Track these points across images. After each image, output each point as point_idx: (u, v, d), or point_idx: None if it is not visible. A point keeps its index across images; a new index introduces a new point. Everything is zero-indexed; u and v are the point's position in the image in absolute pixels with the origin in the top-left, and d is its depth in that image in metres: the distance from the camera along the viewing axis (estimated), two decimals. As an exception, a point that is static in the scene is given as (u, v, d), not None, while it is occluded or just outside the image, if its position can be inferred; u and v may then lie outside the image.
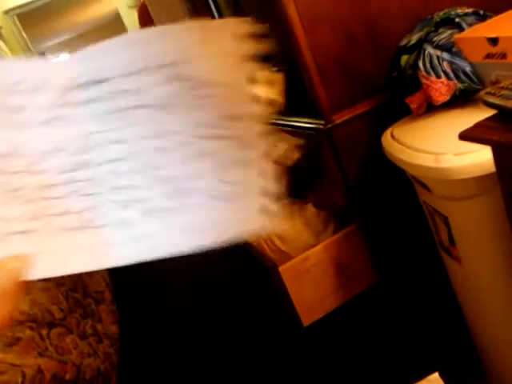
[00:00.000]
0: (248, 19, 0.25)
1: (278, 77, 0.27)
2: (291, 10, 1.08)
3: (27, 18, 4.98)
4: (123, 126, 0.27)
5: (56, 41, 7.02)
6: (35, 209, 0.26)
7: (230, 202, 0.27)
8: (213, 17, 1.78)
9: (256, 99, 0.26)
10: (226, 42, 0.26)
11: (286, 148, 0.24)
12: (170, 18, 2.16)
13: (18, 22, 4.92)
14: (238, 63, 0.26)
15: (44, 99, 0.26)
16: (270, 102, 0.26)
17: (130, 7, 4.69)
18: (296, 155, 0.24)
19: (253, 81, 0.26)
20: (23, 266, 0.26)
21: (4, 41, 4.73)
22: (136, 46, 0.26)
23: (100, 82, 0.26)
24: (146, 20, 2.58)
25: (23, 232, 0.26)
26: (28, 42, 5.05)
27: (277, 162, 0.27)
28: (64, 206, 0.27)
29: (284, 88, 0.26)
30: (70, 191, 0.27)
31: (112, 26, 5.99)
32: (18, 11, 4.88)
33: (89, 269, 0.27)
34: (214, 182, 0.27)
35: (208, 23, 0.26)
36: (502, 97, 0.63)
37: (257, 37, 0.26)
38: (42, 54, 5.47)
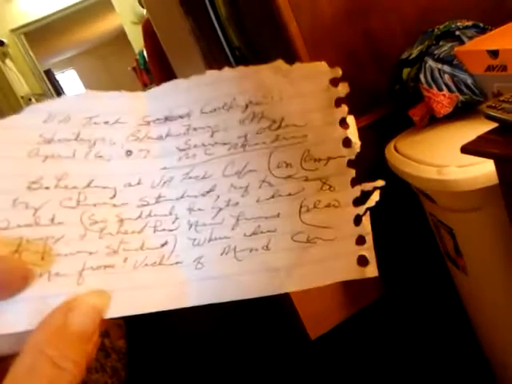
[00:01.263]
0: (335, 66, 0.26)
1: (353, 119, 0.28)
2: (293, 28, 1.10)
3: (33, 36, 5.05)
4: (201, 162, 0.27)
5: (62, 57, 7.11)
6: (114, 243, 0.26)
7: (317, 245, 0.26)
8: (216, 33, 1.81)
9: (346, 142, 0.26)
10: (315, 84, 0.26)
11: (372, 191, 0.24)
12: (175, 35, 2.19)
13: (24, 40, 5.00)
14: (326, 106, 0.26)
15: (119, 134, 0.26)
16: (355, 146, 0.26)
17: (135, 23, 4.75)
18: (377, 196, 0.24)
19: (343, 124, 0.26)
20: (104, 303, 0.24)
21: (11, 59, 4.79)
22: (216, 84, 0.26)
23: (174, 118, 0.26)
24: (150, 36, 2.61)
25: (101, 267, 0.25)
26: (35, 59, 5.11)
27: (367, 207, 0.26)
28: (142, 241, 0.26)
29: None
30: (149, 226, 0.26)
31: (117, 43, 6.06)
32: (25, 30, 4.95)
33: (165, 308, 0.26)
34: (299, 224, 0.27)
35: (296, 65, 0.26)
36: (503, 110, 0.64)
37: (339, 80, 0.26)
38: (49, 70, 5.54)
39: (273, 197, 0.27)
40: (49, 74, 5.51)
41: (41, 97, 4.98)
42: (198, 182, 0.27)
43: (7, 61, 4.64)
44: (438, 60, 1.02)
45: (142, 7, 3.19)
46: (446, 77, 1.00)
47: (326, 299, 1.29)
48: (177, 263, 0.27)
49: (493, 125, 0.65)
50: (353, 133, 0.26)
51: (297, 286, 0.27)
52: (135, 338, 1.91)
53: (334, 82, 0.26)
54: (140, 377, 1.62)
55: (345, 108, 0.26)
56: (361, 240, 0.27)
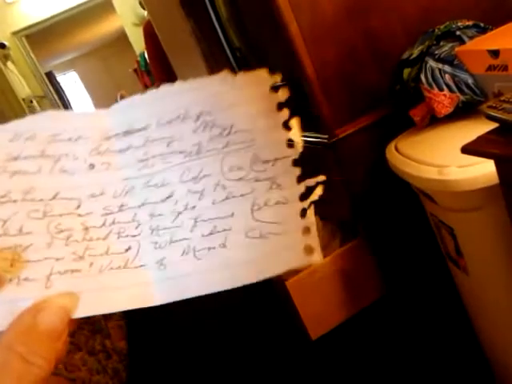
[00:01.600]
0: (275, 72, 0.28)
1: (296, 121, 0.30)
2: (294, 28, 1.10)
3: (35, 39, 5.06)
4: (160, 171, 0.29)
5: (63, 59, 7.13)
6: (79, 249, 0.28)
7: (269, 240, 0.29)
8: (217, 34, 1.81)
9: (289, 143, 0.28)
10: (258, 91, 0.28)
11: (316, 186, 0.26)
12: (176, 37, 2.19)
13: (26, 42, 5.01)
14: (271, 110, 0.28)
15: (82, 149, 0.28)
16: (298, 146, 0.28)
17: (136, 25, 4.76)
18: (320, 190, 0.26)
19: (286, 127, 0.28)
20: (72, 304, 0.26)
21: (13, 62, 4.80)
22: (170, 97, 0.28)
23: (134, 132, 0.28)
24: (151, 38, 2.62)
25: (68, 271, 0.27)
26: (36, 61, 5.12)
27: (311, 201, 0.29)
28: (107, 246, 0.28)
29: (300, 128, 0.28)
30: (113, 233, 0.28)
31: (118, 44, 6.07)
32: (26, 32, 4.96)
33: (131, 307, 0.28)
34: (252, 221, 0.29)
35: (241, 74, 0.28)
36: (504, 110, 0.64)
37: (282, 86, 0.28)
38: (50, 73, 5.55)
39: (227, 198, 0.29)
40: (50, 76, 5.52)
41: (42, 99, 4.99)
42: (157, 190, 0.29)
43: (9, 63, 4.65)
44: (439, 60, 1.02)
45: (143, 9, 3.20)
46: (447, 77, 1.00)
47: (326, 300, 1.29)
48: (141, 266, 0.29)
49: (493, 125, 0.65)
50: (296, 134, 0.28)
51: (254, 278, 0.29)
52: (136, 340, 1.91)
53: (275, 88, 0.28)
54: (141, 378, 1.62)
55: (286, 111, 0.28)
56: (306, 230, 0.29)
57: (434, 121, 1.06)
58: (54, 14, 4.89)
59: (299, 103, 1.25)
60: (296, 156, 0.29)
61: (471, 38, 1.01)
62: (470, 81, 0.99)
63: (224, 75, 0.28)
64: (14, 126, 0.28)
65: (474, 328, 1.12)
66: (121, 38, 5.52)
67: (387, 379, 1.29)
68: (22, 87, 4.72)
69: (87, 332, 1.53)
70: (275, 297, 1.55)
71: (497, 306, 0.99)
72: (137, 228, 0.29)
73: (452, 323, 1.25)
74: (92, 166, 0.28)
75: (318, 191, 0.28)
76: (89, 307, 0.27)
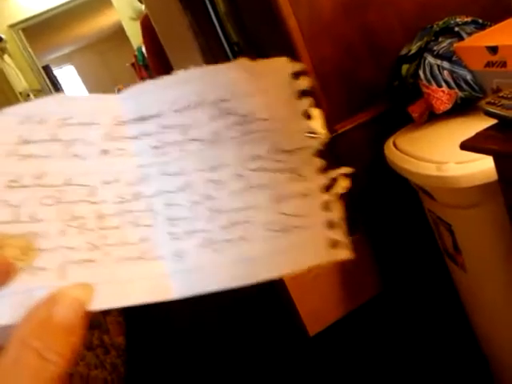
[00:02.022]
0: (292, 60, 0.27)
1: (319, 111, 0.29)
2: (292, 23, 1.09)
3: (32, 32, 5.03)
4: (176, 159, 0.28)
5: (60, 53, 7.10)
6: (94, 238, 0.27)
7: (291, 233, 0.27)
8: (214, 29, 1.80)
9: (311, 133, 0.27)
10: (278, 78, 0.27)
11: (339, 177, 0.25)
12: (174, 31, 2.18)
13: (22, 35, 4.98)
14: (291, 98, 0.27)
15: (94, 134, 0.27)
16: (321, 136, 0.27)
17: (133, 19, 4.73)
18: (347, 183, 0.25)
19: (306, 116, 0.27)
20: (86, 296, 0.25)
21: (9, 55, 4.78)
22: (185, 83, 0.27)
23: (148, 118, 0.27)
24: (148, 32, 2.60)
25: (82, 261, 0.26)
26: (33, 55, 5.10)
27: (335, 193, 0.27)
28: (121, 236, 0.27)
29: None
30: (127, 222, 0.27)
31: (115, 38, 6.05)
32: (23, 25, 4.93)
33: (148, 300, 0.27)
34: (272, 214, 0.27)
35: (259, 61, 0.27)
36: (502, 106, 0.64)
37: (302, 74, 0.27)
38: (47, 66, 5.52)
39: (246, 189, 0.28)
40: (47, 69, 5.49)
41: (39, 92, 4.97)
42: (173, 178, 0.28)
43: (5, 56, 4.63)
44: (437, 56, 1.01)
45: (141, 3, 3.18)
46: (446, 73, 1.00)
47: (324, 296, 1.30)
48: (157, 257, 0.28)
49: (492, 121, 0.65)
50: (318, 123, 0.27)
51: (274, 273, 0.27)
52: (134, 335, 1.91)
53: (296, 76, 0.27)
54: (139, 373, 1.62)
55: (308, 100, 0.27)
56: (332, 225, 0.27)
57: (433, 117, 1.06)
58: (51, 7, 4.86)
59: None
60: (318, 146, 0.27)
61: (470, 34, 1.01)
62: (468, 77, 0.99)
63: (243, 61, 0.27)
64: (25, 108, 0.26)
65: (472, 324, 1.12)
66: (118, 32, 5.49)
67: (385, 375, 1.29)
68: (19, 81, 4.70)
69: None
70: (273, 293, 1.55)
71: (494, 303, 0.99)
72: (152, 218, 0.28)
73: (449, 319, 1.25)
74: (105, 152, 0.27)
75: (344, 183, 0.27)
76: (104, 300, 0.26)
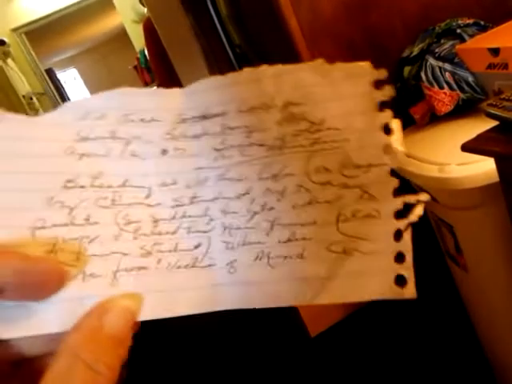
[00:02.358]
0: (380, 68, 0.24)
1: (399, 124, 0.25)
2: (293, 24, 1.10)
3: (35, 35, 5.05)
4: (237, 163, 0.25)
5: (63, 56, 7.12)
6: (148, 244, 0.25)
7: (353, 258, 0.25)
8: (217, 31, 1.81)
9: (388, 149, 0.24)
10: (357, 85, 0.24)
11: (416, 204, 0.22)
12: (176, 33, 2.19)
13: (26, 39, 5.00)
14: (370, 109, 0.24)
15: (155, 132, 0.25)
16: (399, 153, 0.24)
17: (136, 22, 4.75)
18: (421, 210, 0.22)
19: (385, 130, 0.24)
20: (137, 306, 0.24)
21: (13, 59, 4.80)
22: (254, 82, 0.25)
23: (211, 117, 0.25)
24: (151, 35, 2.61)
25: (135, 268, 0.25)
26: (36, 58, 5.12)
27: (408, 222, 0.24)
28: (176, 242, 0.25)
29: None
30: (182, 227, 0.26)
31: (117, 41, 6.06)
32: (26, 29, 4.95)
33: (196, 311, 0.25)
34: (336, 233, 0.25)
35: (337, 65, 0.24)
36: (504, 108, 0.63)
37: (382, 83, 0.24)
38: (50, 69, 5.54)
39: (310, 203, 0.25)
40: (50, 72, 5.51)
41: (42, 96, 4.99)
42: (233, 184, 0.26)
43: (8, 60, 4.65)
44: (439, 58, 1.01)
45: (143, 6, 3.19)
46: (447, 75, 1.00)
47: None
48: (209, 266, 0.26)
49: (493, 123, 0.65)
50: (397, 139, 0.24)
51: (329, 299, 0.25)
52: (136, 337, 1.90)
53: (378, 84, 0.24)
54: (140, 375, 1.62)
55: (389, 112, 0.24)
56: (400, 257, 0.25)
57: (434, 119, 1.06)
58: (54, 10, 4.89)
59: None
60: (395, 165, 0.24)
61: (472, 36, 1.01)
62: (470, 79, 0.99)
63: (319, 63, 0.24)
64: (85, 103, 0.25)
65: (474, 325, 1.12)
66: (121, 35, 5.51)
67: (386, 377, 1.29)
68: (22, 84, 4.71)
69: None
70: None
71: (496, 304, 0.99)
72: (208, 224, 0.26)
73: (451, 321, 1.25)
74: (165, 152, 0.25)
75: (419, 211, 0.24)
76: (154, 309, 0.24)
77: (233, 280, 0.26)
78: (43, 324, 0.23)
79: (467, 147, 0.66)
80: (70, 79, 7.28)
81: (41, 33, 5.08)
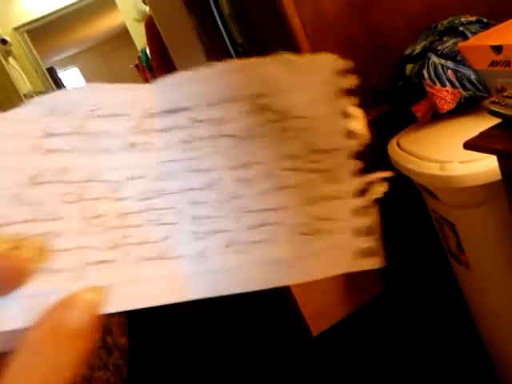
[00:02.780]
0: (336, 56, 0.25)
1: (361, 111, 0.27)
2: (296, 23, 1.10)
3: (36, 34, 5.06)
4: (205, 154, 0.26)
5: (64, 55, 7.13)
6: (115, 237, 0.25)
7: (321, 237, 0.26)
8: (219, 30, 1.81)
9: (349, 134, 0.26)
10: (318, 75, 0.26)
11: (376, 182, 0.24)
12: (178, 32, 2.19)
13: (27, 38, 5.00)
14: (331, 97, 0.26)
15: (122, 126, 0.26)
16: (361, 137, 0.26)
17: (137, 21, 4.75)
18: (385, 188, 0.24)
19: (346, 115, 0.26)
20: (100, 299, 0.24)
21: (14, 57, 4.80)
22: (222, 76, 0.26)
23: (180, 110, 0.26)
24: (153, 34, 2.61)
25: (101, 262, 0.25)
26: (37, 57, 5.12)
27: (370, 198, 0.26)
28: (143, 234, 0.26)
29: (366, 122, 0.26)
30: (150, 219, 0.26)
31: (119, 40, 6.07)
32: (28, 28, 4.96)
33: (166, 301, 0.26)
34: (303, 216, 0.26)
35: (301, 56, 0.26)
36: (507, 106, 0.63)
37: (345, 72, 0.26)
38: (51, 68, 5.55)
39: (278, 189, 0.26)
40: (51, 71, 5.52)
41: (43, 95, 4.99)
42: (202, 175, 0.26)
43: (10, 59, 4.65)
44: (442, 56, 1.01)
45: (145, 4, 3.19)
46: (450, 72, 1.00)
47: (327, 295, 1.29)
48: (179, 256, 0.26)
49: (496, 120, 0.65)
50: (359, 124, 0.26)
51: (300, 278, 0.26)
52: (138, 336, 1.91)
53: (340, 74, 0.26)
54: (142, 374, 1.62)
55: (350, 99, 0.26)
56: (363, 231, 0.26)
57: (437, 117, 1.05)
58: (56, 9, 4.89)
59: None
60: (357, 148, 0.26)
61: (474, 33, 1.01)
62: (472, 76, 0.99)
63: (284, 56, 0.25)
64: (51, 99, 0.25)
65: (475, 324, 1.12)
66: (122, 34, 5.51)
67: (388, 375, 1.29)
68: (24, 83, 4.72)
69: (89, 327, 1.53)
70: (276, 292, 1.55)
71: (498, 302, 0.99)
72: (177, 215, 0.26)
73: (453, 319, 1.25)
74: (133, 145, 0.26)
75: (382, 188, 0.26)
76: (121, 301, 0.25)
77: (204, 269, 0.26)
78: (4, 320, 0.23)
79: (470, 145, 0.66)
80: (72, 78, 7.28)
81: (42, 32, 5.08)
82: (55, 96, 0.25)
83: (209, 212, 0.26)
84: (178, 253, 0.26)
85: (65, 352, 0.22)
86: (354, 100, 0.26)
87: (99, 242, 0.25)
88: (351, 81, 0.25)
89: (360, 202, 0.26)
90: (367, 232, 0.26)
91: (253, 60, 0.26)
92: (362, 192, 0.26)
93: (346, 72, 0.26)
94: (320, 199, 0.26)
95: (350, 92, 0.26)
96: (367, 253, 0.26)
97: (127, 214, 0.26)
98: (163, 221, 0.26)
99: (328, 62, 0.25)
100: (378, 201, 0.26)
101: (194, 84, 0.26)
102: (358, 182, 0.26)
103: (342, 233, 0.26)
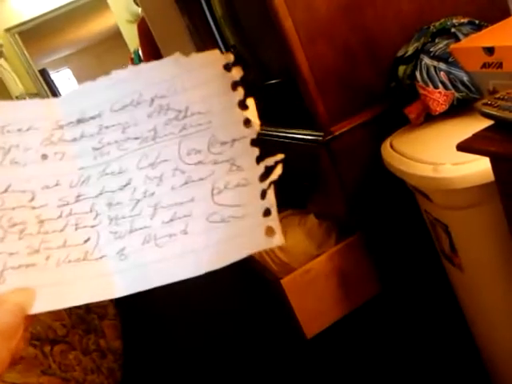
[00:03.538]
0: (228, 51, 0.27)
1: (252, 100, 0.30)
2: (288, 25, 1.09)
3: (28, 36, 5.03)
4: (116, 158, 0.28)
5: (57, 56, 7.09)
6: (35, 242, 0.27)
7: (230, 224, 0.28)
8: (211, 32, 1.80)
9: (247, 123, 0.28)
10: (211, 71, 0.27)
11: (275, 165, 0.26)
12: (170, 34, 2.18)
13: (19, 39, 4.97)
14: (226, 90, 0.28)
15: (33, 139, 0.27)
16: (256, 125, 0.28)
17: (130, 22, 4.73)
18: (280, 170, 0.26)
19: (241, 106, 0.27)
20: (27, 300, 0.25)
21: (6, 59, 4.77)
22: (122, 82, 0.28)
23: (87, 119, 0.28)
24: (145, 35, 2.60)
25: (23, 266, 0.26)
26: (29, 59, 5.09)
27: (271, 181, 0.28)
28: (64, 239, 0.27)
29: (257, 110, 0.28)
30: (70, 224, 0.28)
31: (112, 41, 6.04)
32: (19, 29, 4.93)
33: (93, 300, 0.27)
34: (212, 205, 0.28)
35: (192, 55, 0.27)
36: (499, 107, 0.63)
37: (237, 64, 0.27)
38: (43, 70, 5.51)
39: (186, 183, 0.28)
40: (44, 73, 5.49)
41: (36, 96, 4.95)
42: (114, 178, 0.28)
43: (2, 60, 4.62)
44: (434, 57, 1.01)
45: (137, 6, 3.18)
46: (442, 74, 1.00)
47: (321, 298, 1.29)
48: (101, 257, 0.28)
49: (488, 122, 0.65)
50: (252, 113, 0.28)
51: (217, 264, 0.28)
52: (131, 339, 1.90)
53: (228, 68, 0.28)
54: (136, 377, 1.61)
55: (241, 91, 0.28)
56: (267, 212, 0.28)
57: (429, 118, 1.05)
58: (48, 10, 4.86)
59: (294, 100, 1.24)
60: (254, 136, 0.28)
61: (466, 35, 1.01)
62: (465, 78, 0.99)
63: (176, 57, 0.27)
64: None
65: (469, 325, 1.12)
66: (115, 35, 5.49)
67: (383, 377, 1.29)
68: (16, 85, 4.69)
69: (81, 331, 1.52)
70: (270, 295, 1.55)
71: (491, 303, 0.99)
72: (95, 218, 0.28)
73: (447, 320, 1.25)
74: (45, 157, 0.28)
75: (278, 171, 0.28)
76: (46, 302, 0.26)
77: (125, 266, 0.28)
78: None
79: (462, 147, 0.65)
80: (64, 79, 7.24)
81: (34, 33, 5.05)
82: None
83: (124, 212, 0.28)
84: (99, 253, 0.28)
85: None
86: (244, 91, 0.28)
87: (20, 248, 0.27)
88: (239, 73, 0.28)
89: (264, 185, 0.28)
90: (271, 212, 0.28)
91: (149, 63, 0.28)
92: (264, 176, 0.28)
93: (232, 65, 0.28)
94: (227, 188, 0.28)
95: (239, 83, 0.28)
96: (272, 231, 0.28)
97: (45, 220, 0.27)
98: (82, 224, 0.28)
99: (216, 58, 0.28)
100: (274, 183, 0.28)
101: (96, 93, 0.28)
102: (261, 168, 0.28)
103: (251, 216, 0.28)
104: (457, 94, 0.99)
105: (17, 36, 4.95)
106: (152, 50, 2.60)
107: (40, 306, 0.26)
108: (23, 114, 0.27)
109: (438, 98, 0.99)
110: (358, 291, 1.32)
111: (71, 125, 0.28)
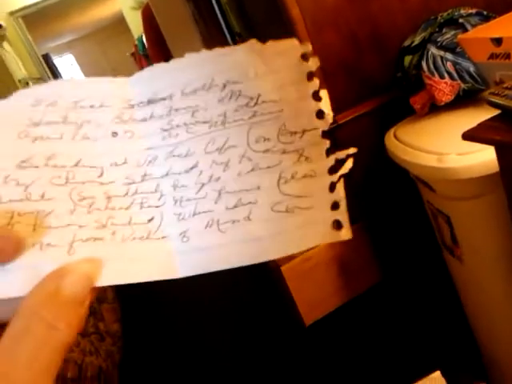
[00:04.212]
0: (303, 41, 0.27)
1: (326, 92, 0.30)
2: (296, 13, 1.09)
3: (32, 20, 5.00)
4: (184, 141, 0.28)
5: (60, 42, 7.05)
6: (102, 218, 0.27)
7: (295, 214, 0.28)
8: (216, 18, 1.79)
9: (319, 115, 0.27)
10: (287, 60, 0.27)
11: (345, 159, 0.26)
12: (175, 21, 2.17)
13: (22, 23, 4.94)
14: (300, 80, 0.27)
15: (104, 117, 0.28)
16: (328, 117, 0.27)
17: (134, 9, 4.71)
18: (351, 164, 0.26)
19: (315, 97, 0.27)
20: (94, 271, 0.26)
21: (9, 42, 4.75)
22: (195, 66, 0.28)
23: (157, 101, 0.28)
24: (150, 22, 2.59)
25: (91, 239, 0.27)
26: (33, 43, 5.06)
27: (340, 175, 0.28)
28: (129, 216, 0.28)
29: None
30: (135, 203, 0.28)
31: (116, 28, 6.01)
32: (23, 13, 4.90)
33: (155, 278, 0.27)
34: (278, 195, 0.28)
35: (269, 43, 0.27)
36: (506, 97, 0.63)
37: (311, 55, 0.27)
38: (46, 55, 5.49)
39: (252, 170, 0.28)
40: (46, 58, 5.46)
41: (38, 81, 4.94)
42: (181, 160, 0.28)
43: (5, 44, 4.60)
44: (441, 47, 1.01)
45: (142, -8, 3.16)
46: (449, 64, 0.99)
47: (321, 286, 1.30)
48: (163, 237, 0.28)
49: (494, 112, 0.65)
50: (326, 105, 0.28)
51: (278, 253, 0.28)
52: (130, 322, 1.91)
53: (305, 57, 0.27)
54: (134, 360, 1.63)
55: (316, 81, 0.27)
56: (335, 205, 0.28)
57: (435, 108, 1.05)
58: (52, -6, 4.83)
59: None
60: (325, 128, 0.28)
61: (474, 25, 1.01)
62: (471, 69, 0.98)
63: (252, 43, 0.27)
64: (35, 91, 0.27)
65: (467, 316, 1.13)
66: (119, 22, 5.46)
67: (382, 364, 1.30)
68: (19, 68, 4.67)
69: (81, 314, 1.52)
70: (270, 282, 1.55)
71: (490, 294, 1.00)
72: (160, 199, 0.29)
73: (446, 310, 1.26)
74: (115, 134, 0.28)
75: (349, 164, 0.27)
76: (112, 276, 0.27)
77: (187, 248, 0.28)
78: (3, 289, 0.25)
79: (468, 135, 0.66)
80: (67, 65, 7.21)
81: (38, 17, 5.02)
82: (40, 88, 0.27)
83: (189, 194, 0.28)
84: (162, 233, 0.28)
85: (62, 316, 0.23)
86: (319, 81, 0.27)
87: (87, 222, 0.27)
88: (316, 64, 0.27)
89: (334, 177, 0.28)
90: (340, 206, 0.28)
91: (224, 48, 0.28)
92: (333, 169, 0.28)
93: (310, 55, 0.27)
94: (293, 178, 0.28)
95: (314, 74, 0.27)
96: (340, 226, 0.28)
97: (112, 197, 0.28)
98: (147, 204, 0.28)
99: (293, 47, 0.27)
100: (344, 176, 0.28)
101: (169, 74, 0.28)
102: (329, 160, 0.28)
103: (317, 208, 0.28)
104: (463, 85, 0.99)
105: (20, 20, 4.93)
106: (156, 37, 2.58)
107: (106, 279, 0.26)
108: (96, 90, 0.28)
109: (444, 89, 0.99)
110: (359, 280, 1.33)
111: (142, 105, 0.28)
